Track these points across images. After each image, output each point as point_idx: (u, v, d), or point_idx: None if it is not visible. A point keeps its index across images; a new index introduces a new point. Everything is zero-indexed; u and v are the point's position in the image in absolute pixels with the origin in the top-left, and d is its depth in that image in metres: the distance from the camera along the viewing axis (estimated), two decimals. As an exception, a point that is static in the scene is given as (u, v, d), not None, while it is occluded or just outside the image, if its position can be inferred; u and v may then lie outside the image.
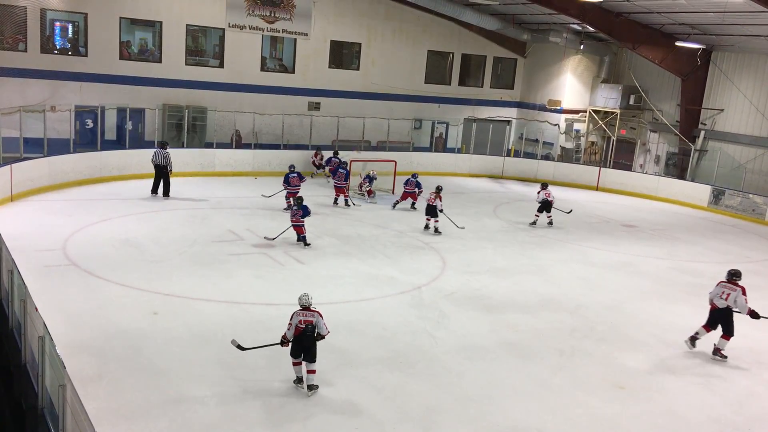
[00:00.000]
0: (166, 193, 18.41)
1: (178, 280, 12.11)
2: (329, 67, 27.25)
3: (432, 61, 29.49)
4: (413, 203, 19.51)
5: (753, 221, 22.27)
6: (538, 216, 18.89)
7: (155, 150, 18.56)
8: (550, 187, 19.21)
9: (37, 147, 18.54)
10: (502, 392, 8.94)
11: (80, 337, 9.40)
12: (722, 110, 25.29)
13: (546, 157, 28.52)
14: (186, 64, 24.56)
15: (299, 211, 14.79)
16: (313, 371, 8.39)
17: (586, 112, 29.45)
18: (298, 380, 8.49)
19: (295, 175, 18.07)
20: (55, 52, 22.88)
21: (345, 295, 12.15)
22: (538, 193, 18.91)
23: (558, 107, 29.57)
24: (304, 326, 8.27)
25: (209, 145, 23.15)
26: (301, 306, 8.44)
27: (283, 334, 8.42)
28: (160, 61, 24.12)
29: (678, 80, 25.92)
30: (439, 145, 29.84)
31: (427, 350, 10.05)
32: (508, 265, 14.94)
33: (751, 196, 22.80)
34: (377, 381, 8.93)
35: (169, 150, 18.49)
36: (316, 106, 26.84)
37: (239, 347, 8.48)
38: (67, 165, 18.83)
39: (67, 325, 9.64)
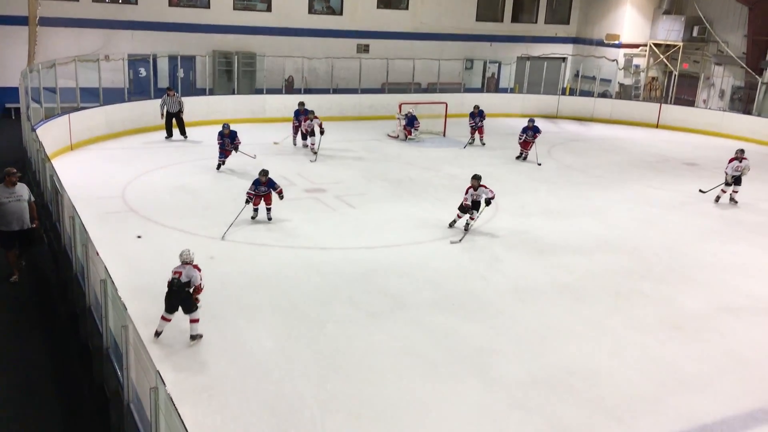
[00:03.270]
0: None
1: (233, 225, 12.31)
2: (377, 7, 26.72)
3: (483, -2, 28.58)
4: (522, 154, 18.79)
5: (824, 157, 21.18)
6: (724, 192, 15.38)
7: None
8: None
9: (92, 96, 18.89)
10: (556, 334, 8.87)
11: (141, 281, 9.69)
12: (793, 40, 23.87)
13: (603, 95, 27.60)
14: (234, 9, 24.46)
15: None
16: (195, 320, 7.99)
17: (646, 46, 28.23)
18: (158, 334, 8.01)
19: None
20: (107, 0, 23.04)
21: (396, 239, 12.15)
22: (732, 162, 15.12)
23: (616, 42, 28.41)
24: (171, 279, 7.84)
25: (259, 91, 23.18)
26: (181, 261, 7.89)
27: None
28: (208, 7, 24.08)
29: (745, 9, 24.48)
30: (491, 85, 29.17)
31: (480, 293, 10.01)
32: (563, 206, 14.66)
33: (822, 130, 21.66)
34: (429, 323, 8.97)
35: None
36: (365, 49, 26.46)
37: None
38: (122, 113, 19.19)
39: (128, 270, 9.94)
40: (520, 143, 18.59)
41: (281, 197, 12.40)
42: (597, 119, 26.09)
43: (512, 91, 27.94)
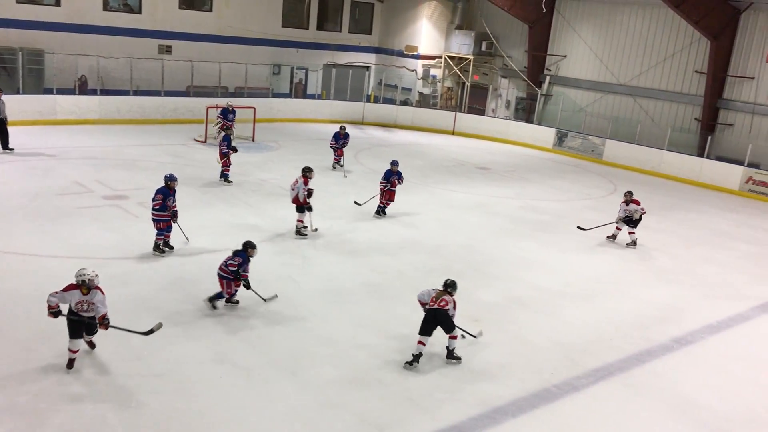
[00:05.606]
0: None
1: (19, 236, 11.27)
2: (179, 7, 25.84)
3: (288, 4, 28.79)
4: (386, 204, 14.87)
5: (592, 161, 24.07)
6: (618, 230, 14.38)
7: None
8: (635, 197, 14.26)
9: None
10: (367, 332, 9.22)
11: None
12: (565, 56, 26.82)
13: (405, 103, 29.03)
14: (17, 2, 22.32)
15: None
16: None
17: (441, 58, 30.12)
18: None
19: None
20: None
21: (206, 245, 11.87)
22: (626, 204, 14.09)
23: (415, 53, 30.01)
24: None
25: (48, 91, 21.37)
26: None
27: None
28: (-16, -2, 21.78)
29: (526, 27, 27.08)
30: (298, 91, 29.44)
31: (292, 296, 10.11)
32: (371, 209, 15.20)
33: (590, 137, 24.57)
34: (241, 328, 8.90)
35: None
36: (167, 50, 25.46)
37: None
38: None
39: None
40: (381, 189, 14.69)
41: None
42: (400, 126, 27.38)
43: (320, 97, 28.42)
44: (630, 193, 14.21)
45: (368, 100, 28.69)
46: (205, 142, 20.42)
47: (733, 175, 21.03)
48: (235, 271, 9.13)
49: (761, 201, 20.11)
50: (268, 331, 8.91)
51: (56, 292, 7.40)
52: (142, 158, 17.67)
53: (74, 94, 21.76)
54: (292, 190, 12.78)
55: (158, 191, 10.96)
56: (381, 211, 14.64)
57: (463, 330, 8.99)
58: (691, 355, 9.57)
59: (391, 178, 14.50)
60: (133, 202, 13.76)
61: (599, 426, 7.61)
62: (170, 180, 11.09)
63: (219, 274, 9.26)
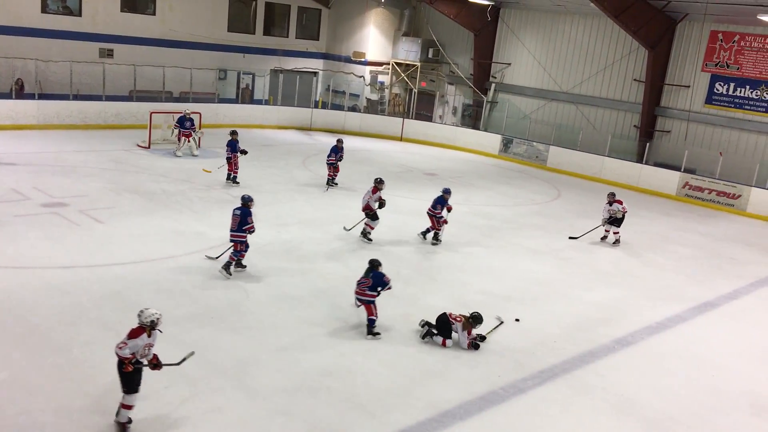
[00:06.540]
0: None
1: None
2: (121, 11, 25.32)
3: (235, 9, 28.53)
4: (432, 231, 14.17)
5: (537, 167, 24.56)
6: (608, 232, 15.26)
7: None
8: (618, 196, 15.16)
9: None
10: (315, 339, 9.18)
11: None
12: (510, 64, 27.32)
13: (353, 109, 29.06)
14: (-52, 2, 21.54)
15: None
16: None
17: (389, 64, 30.29)
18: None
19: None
20: None
21: (149, 253, 11.63)
22: (609, 204, 14.93)
23: (362, 59, 30.10)
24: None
25: (-17, 95, 20.65)
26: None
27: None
28: None
29: (471, 35, 27.49)
30: (245, 96, 29.17)
31: (239, 303, 10.00)
32: (318, 216, 15.17)
33: (535, 144, 25.06)
34: (187, 338, 8.74)
35: None
36: (109, 53, 24.89)
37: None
38: None
39: None
40: (431, 218, 14.03)
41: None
42: (348, 132, 27.38)
43: (267, 102, 28.20)
44: (613, 194, 15.04)
45: (316, 106, 28.62)
46: (149, 147, 20.02)
47: (670, 180, 21.76)
48: (373, 287, 9.27)
49: (697, 205, 20.89)
50: (215, 340, 8.79)
51: (125, 343, 6.53)
52: (83, 164, 17.20)
53: (11, 98, 21.06)
54: (364, 198, 13.68)
55: (246, 213, 10.90)
56: (436, 238, 14.09)
57: (489, 332, 9.87)
58: (633, 356, 9.85)
59: (447, 205, 13.86)
60: (73, 210, 13.38)
61: (545, 427, 7.76)
62: (249, 201, 11.13)
63: (362, 300, 9.33)
